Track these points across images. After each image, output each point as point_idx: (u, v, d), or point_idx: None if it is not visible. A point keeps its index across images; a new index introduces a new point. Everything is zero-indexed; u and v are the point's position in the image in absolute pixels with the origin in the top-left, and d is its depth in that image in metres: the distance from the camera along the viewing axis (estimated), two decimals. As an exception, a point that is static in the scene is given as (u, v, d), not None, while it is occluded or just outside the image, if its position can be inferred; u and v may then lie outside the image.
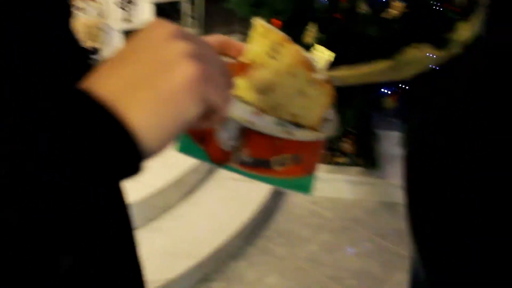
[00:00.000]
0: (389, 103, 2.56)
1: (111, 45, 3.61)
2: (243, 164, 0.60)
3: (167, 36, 0.36)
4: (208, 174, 2.74)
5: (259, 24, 0.57)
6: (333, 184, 2.83)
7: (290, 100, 0.57)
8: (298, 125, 0.58)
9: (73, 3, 3.22)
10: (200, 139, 0.60)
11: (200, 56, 0.36)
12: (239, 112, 0.56)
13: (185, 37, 0.37)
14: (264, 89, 0.57)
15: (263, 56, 0.57)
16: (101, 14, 3.30)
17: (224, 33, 4.44)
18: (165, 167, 2.48)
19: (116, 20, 3.60)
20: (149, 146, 0.34)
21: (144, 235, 2.20)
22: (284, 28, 2.58)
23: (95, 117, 0.32)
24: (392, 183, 2.78)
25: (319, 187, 2.84)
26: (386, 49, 2.36)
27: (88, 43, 3.26)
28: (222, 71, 0.40)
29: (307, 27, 2.42)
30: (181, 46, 0.36)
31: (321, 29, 2.38)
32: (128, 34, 3.68)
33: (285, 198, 2.83)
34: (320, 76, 0.56)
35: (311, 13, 2.45)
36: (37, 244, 0.30)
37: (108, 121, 0.33)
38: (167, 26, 0.37)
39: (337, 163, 2.85)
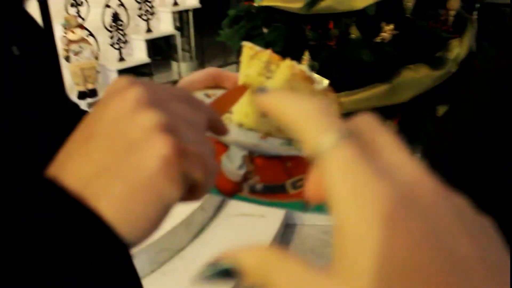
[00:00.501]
0: (390, 126, 2.57)
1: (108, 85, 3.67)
2: (255, 192, 0.56)
3: (130, 104, 0.32)
4: (216, 211, 2.73)
5: (247, 47, 0.55)
6: (343, 212, 2.80)
7: None
8: None
9: (68, 47, 3.28)
10: None
11: (171, 125, 0.32)
12: (244, 140, 0.54)
13: (151, 101, 0.32)
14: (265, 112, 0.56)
15: (257, 77, 0.55)
16: (95, 56, 3.36)
17: (221, 65, 4.51)
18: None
19: (111, 60, 3.67)
20: (130, 236, 0.31)
21: (157, 278, 2.18)
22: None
23: (68, 212, 0.30)
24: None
25: (329, 216, 2.84)
26: (381, 73, 2.38)
27: (84, 86, 3.32)
28: (200, 137, 0.34)
29: (300, 55, 2.45)
30: (148, 118, 0.31)
31: (313, 57, 2.42)
32: (123, 73, 3.75)
33: (297, 230, 2.80)
34: (321, 86, 0.53)
35: (303, 41, 2.48)
36: None
37: (81, 214, 0.30)
38: (130, 90, 0.32)
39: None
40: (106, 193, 0.30)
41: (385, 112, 2.57)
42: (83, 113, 0.77)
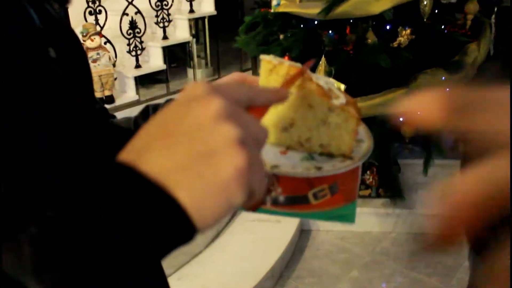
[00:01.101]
0: (408, 131, 2.55)
1: (125, 92, 3.71)
2: (277, 204, 0.57)
3: (213, 115, 0.36)
4: (232, 216, 2.73)
5: (265, 60, 0.56)
6: (359, 218, 2.75)
7: (314, 132, 0.55)
8: (329, 155, 0.56)
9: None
10: None
11: (246, 139, 0.36)
12: (265, 155, 0.55)
13: (230, 115, 0.37)
14: (286, 126, 0.56)
15: None
16: (112, 63, 3.40)
17: (237, 70, 4.52)
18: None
19: (128, 67, 3.70)
20: (200, 226, 0.35)
21: (174, 282, 2.18)
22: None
23: (149, 195, 0.34)
24: (419, 213, 2.73)
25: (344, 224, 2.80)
26: (399, 78, 2.37)
27: (101, 92, 3.35)
28: (260, 135, 0.40)
29: (317, 61, 2.45)
30: (228, 131, 0.36)
31: (330, 62, 2.42)
32: (140, 79, 3.78)
33: (313, 235, 2.79)
34: (339, 100, 0.53)
35: (320, 47, 2.49)
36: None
37: (161, 198, 0.34)
38: (213, 102, 0.37)
39: (361, 196, 2.82)
40: (186, 187, 0.34)
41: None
42: (111, 116, 0.79)
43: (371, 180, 2.77)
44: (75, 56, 0.65)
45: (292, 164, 0.54)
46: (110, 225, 0.33)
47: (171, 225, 0.35)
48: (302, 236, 2.77)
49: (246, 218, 2.73)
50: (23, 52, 0.49)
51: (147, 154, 0.35)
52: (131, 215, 0.34)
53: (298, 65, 0.56)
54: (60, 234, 0.33)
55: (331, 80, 0.57)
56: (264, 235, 2.58)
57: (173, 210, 0.34)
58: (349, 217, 0.57)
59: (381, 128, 2.48)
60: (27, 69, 0.49)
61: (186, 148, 0.35)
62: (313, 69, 2.50)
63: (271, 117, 0.55)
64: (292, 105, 0.54)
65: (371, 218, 2.78)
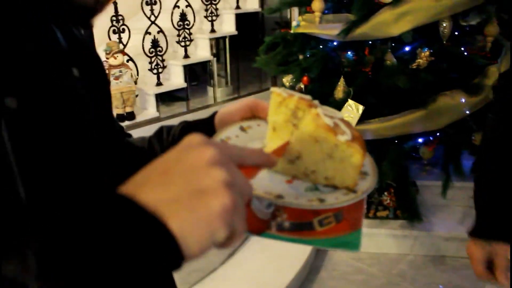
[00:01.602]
0: (426, 153, 2.55)
1: (146, 109, 3.76)
2: (282, 229, 0.58)
3: (208, 161, 0.41)
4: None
5: (275, 93, 0.59)
6: (376, 239, 2.77)
7: (320, 165, 0.57)
8: (334, 187, 0.58)
9: (109, 71, 3.39)
10: None
11: (233, 184, 0.41)
12: (271, 183, 0.57)
13: (222, 162, 0.42)
14: (292, 159, 0.58)
15: (284, 125, 0.59)
16: (134, 80, 3.46)
17: (256, 91, 4.55)
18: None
19: (149, 85, 3.77)
20: (186, 254, 0.39)
21: (188, 299, 2.19)
22: (314, 84, 2.64)
23: (143, 221, 0.38)
24: (437, 235, 2.70)
25: (362, 242, 2.78)
26: (417, 99, 2.37)
27: (123, 109, 3.40)
28: (245, 188, 0.44)
29: (336, 82, 2.47)
30: (219, 175, 0.41)
31: (349, 83, 2.43)
32: (161, 97, 3.83)
33: (329, 255, 2.78)
34: (345, 137, 0.55)
35: (339, 68, 2.51)
36: None
37: (154, 224, 0.38)
38: (208, 150, 0.42)
39: (379, 217, 2.81)
40: (177, 217, 0.39)
41: (421, 138, 2.55)
42: (128, 135, 0.82)
43: (388, 201, 2.75)
44: (96, 76, 0.67)
45: (296, 194, 0.56)
46: (107, 245, 0.37)
47: (161, 248, 0.38)
48: (318, 255, 2.76)
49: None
50: (48, 70, 0.52)
51: (145, 187, 0.40)
52: (126, 237, 0.37)
53: (308, 97, 0.59)
54: (60, 251, 0.36)
55: (339, 114, 0.59)
56: (280, 254, 2.58)
57: (164, 236, 0.38)
58: (353, 245, 0.58)
59: (399, 149, 2.48)
60: (52, 87, 0.51)
61: (180, 185, 0.40)
62: (332, 90, 2.52)
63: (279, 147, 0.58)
64: (299, 140, 0.56)
65: (388, 239, 2.76)
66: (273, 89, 0.59)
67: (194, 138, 0.43)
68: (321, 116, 0.56)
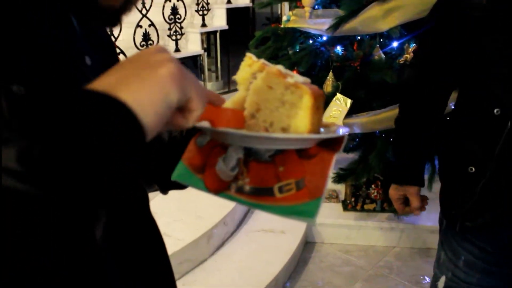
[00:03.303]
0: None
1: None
2: (241, 192, 0.59)
3: (154, 50, 0.47)
4: (237, 226, 2.77)
5: (248, 56, 0.62)
6: (364, 232, 2.81)
7: (276, 114, 0.57)
8: None
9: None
10: (199, 169, 0.62)
11: (179, 63, 0.46)
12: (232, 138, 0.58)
13: (169, 52, 0.47)
14: (252, 112, 0.58)
15: (245, 82, 0.61)
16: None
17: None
18: (195, 220, 2.53)
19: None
20: (143, 119, 0.42)
21: (177, 289, 2.22)
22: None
23: (97, 100, 0.41)
24: (423, 228, 2.75)
25: (349, 235, 2.82)
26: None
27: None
28: (196, 79, 0.49)
29: (325, 76, 2.50)
30: (166, 55, 0.46)
31: (337, 77, 2.47)
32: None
33: (317, 247, 2.82)
34: (294, 79, 0.56)
35: (328, 62, 2.54)
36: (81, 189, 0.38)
37: (106, 100, 0.41)
38: (155, 46, 0.48)
39: (366, 210, 2.85)
40: (126, 88, 0.42)
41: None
42: None
43: (376, 194, 2.80)
44: (109, 65, 0.69)
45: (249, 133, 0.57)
46: (64, 122, 0.38)
47: (118, 118, 0.40)
48: (306, 248, 2.80)
49: (251, 228, 2.77)
50: (59, 59, 0.53)
51: (98, 80, 0.43)
52: (84, 116, 0.39)
53: (277, 66, 0.60)
54: (24, 129, 0.38)
55: (303, 77, 0.60)
56: (268, 246, 2.62)
57: (118, 107, 0.40)
58: (309, 213, 0.56)
59: (387, 142, 2.52)
60: (63, 74, 0.53)
61: (130, 67, 0.44)
62: (321, 84, 2.55)
63: (241, 107, 0.59)
64: (255, 90, 0.58)
65: (375, 232, 2.81)
66: (247, 53, 0.62)
67: (157, 45, 0.49)
68: (274, 65, 0.57)
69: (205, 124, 0.54)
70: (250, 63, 0.61)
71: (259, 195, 0.58)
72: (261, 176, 0.59)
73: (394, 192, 1.53)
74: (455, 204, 1.35)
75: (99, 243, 0.41)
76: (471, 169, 1.25)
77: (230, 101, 0.61)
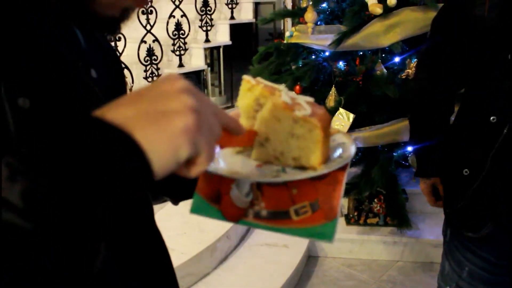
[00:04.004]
0: (415, 161, 2.60)
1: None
2: (259, 217, 0.59)
3: (179, 89, 0.44)
4: (240, 240, 2.77)
5: (245, 80, 0.62)
6: (367, 246, 2.81)
7: (285, 145, 0.58)
8: (302, 168, 0.58)
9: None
10: (214, 199, 0.61)
11: (199, 110, 0.44)
12: (240, 166, 0.59)
13: (192, 92, 0.45)
14: (262, 141, 0.59)
15: (247, 110, 0.61)
16: (129, 88, 3.50)
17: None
18: (198, 234, 2.53)
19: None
20: (151, 162, 0.41)
21: (180, 303, 2.22)
22: (306, 93, 2.70)
23: (110, 134, 0.40)
24: (426, 242, 2.75)
25: (352, 249, 2.81)
26: (406, 108, 2.43)
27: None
28: (213, 131, 0.47)
29: (327, 91, 2.52)
30: (188, 99, 0.43)
31: (340, 92, 2.49)
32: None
33: (320, 261, 2.82)
34: (303, 112, 0.56)
35: (330, 77, 2.56)
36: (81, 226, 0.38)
37: (120, 136, 0.40)
38: (181, 81, 0.45)
39: (369, 224, 2.85)
40: (141, 128, 0.41)
41: (410, 146, 2.60)
42: None
43: (378, 208, 2.80)
44: (114, 78, 0.70)
45: (259, 175, 0.58)
46: (75, 156, 0.38)
47: (129, 157, 0.40)
48: (309, 262, 2.80)
49: (254, 242, 2.77)
50: (65, 72, 0.54)
51: (114, 108, 0.42)
52: (95, 150, 0.39)
53: (277, 86, 0.61)
54: (33, 163, 0.38)
55: (307, 98, 0.60)
56: (271, 260, 2.62)
57: (131, 146, 0.40)
58: (327, 236, 0.57)
59: (389, 157, 2.53)
60: (68, 89, 0.54)
61: (148, 104, 0.43)
62: (323, 99, 2.57)
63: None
64: (263, 120, 0.58)
65: (378, 246, 2.81)
66: (244, 76, 0.62)
67: (170, 74, 0.46)
68: (281, 95, 0.57)
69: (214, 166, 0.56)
70: (250, 87, 0.61)
71: (277, 219, 0.59)
72: (276, 199, 0.59)
73: (423, 185, 1.63)
74: (449, 202, 1.42)
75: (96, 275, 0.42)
76: (466, 172, 1.29)
77: None
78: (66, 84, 0.54)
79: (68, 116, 0.52)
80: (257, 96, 0.61)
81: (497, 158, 1.22)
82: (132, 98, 0.43)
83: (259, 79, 0.62)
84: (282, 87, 0.60)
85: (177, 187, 0.77)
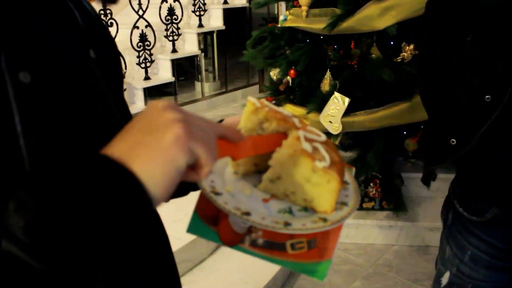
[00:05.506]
0: (410, 144, 2.59)
1: (134, 103, 3.77)
2: (255, 246, 0.59)
3: (161, 109, 0.46)
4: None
5: (250, 102, 0.61)
6: (363, 230, 2.82)
7: (299, 187, 0.58)
8: (312, 210, 0.58)
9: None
10: (213, 221, 0.61)
11: (186, 120, 0.46)
12: (247, 200, 0.58)
13: (175, 108, 0.46)
14: (273, 179, 0.59)
15: (251, 132, 0.60)
16: (123, 74, 3.47)
17: (243, 85, 4.56)
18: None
19: (137, 79, 3.77)
20: (153, 190, 0.43)
21: (176, 289, 2.22)
22: (301, 77, 2.68)
23: (112, 171, 0.42)
24: (422, 226, 2.76)
25: (348, 233, 2.82)
26: (401, 92, 2.42)
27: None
28: (207, 133, 0.48)
29: (322, 75, 2.50)
30: (171, 114, 0.45)
31: (335, 76, 2.47)
32: (149, 91, 3.86)
33: (315, 247, 2.82)
34: (322, 163, 0.56)
35: (325, 61, 2.54)
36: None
37: (118, 170, 0.42)
38: (163, 103, 0.47)
39: (365, 208, 2.85)
40: (137, 157, 0.43)
41: (406, 130, 2.59)
42: None
43: (374, 192, 2.80)
44: (110, 57, 0.69)
45: (266, 214, 0.57)
46: (75, 191, 0.40)
47: (127, 189, 0.42)
48: (306, 247, 2.80)
49: (250, 228, 2.77)
50: (67, 51, 0.54)
51: (111, 146, 0.45)
52: (93, 184, 0.41)
53: (279, 110, 0.60)
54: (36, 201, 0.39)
55: (323, 136, 0.60)
56: (268, 245, 2.61)
57: (127, 177, 0.42)
58: (319, 274, 0.58)
59: (385, 141, 2.52)
60: (69, 68, 0.53)
61: (138, 133, 0.45)
62: (318, 83, 2.55)
63: (260, 159, 0.60)
64: (279, 162, 0.58)
65: (374, 230, 2.81)
66: (249, 98, 0.61)
67: (152, 102, 0.48)
68: (301, 140, 0.57)
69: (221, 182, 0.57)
70: (254, 110, 0.60)
71: (272, 249, 0.59)
72: (274, 231, 0.58)
73: None
74: (433, 159, 1.41)
75: None
76: (453, 142, 1.29)
77: None
78: (66, 64, 0.53)
79: (74, 145, 0.54)
80: (261, 120, 0.60)
81: (487, 133, 1.22)
82: (126, 130, 0.46)
83: (263, 101, 0.62)
84: (296, 120, 0.60)
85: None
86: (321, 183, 0.56)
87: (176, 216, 2.57)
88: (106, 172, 0.42)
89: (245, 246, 0.59)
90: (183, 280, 2.39)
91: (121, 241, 0.42)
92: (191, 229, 0.62)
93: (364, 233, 2.82)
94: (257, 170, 0.63)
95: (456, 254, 1.39)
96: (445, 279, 1.42)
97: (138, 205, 0.42)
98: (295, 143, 0.57)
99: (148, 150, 0.43)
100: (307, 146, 0.57)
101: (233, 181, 0.62)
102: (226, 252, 2.57)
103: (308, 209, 0.59)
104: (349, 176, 0.65)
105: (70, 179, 0.41)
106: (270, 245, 0.59)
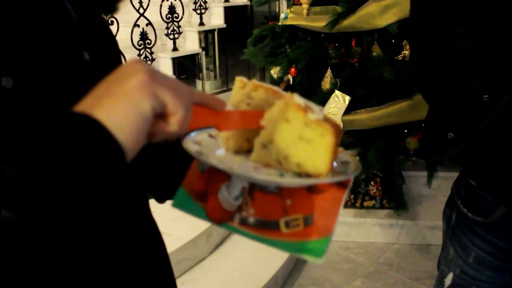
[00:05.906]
0: (411, 143, 2.58)
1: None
2: (245, 224, 0.55)
3: (130, 62, 0.46)
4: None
5: (238, 79, 0.59)
6: (363, 229, 2.81)
7: (291, 149, 0.53)
8: (307, 175, 0.53)
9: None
10: (201, 196, 0.58)
11: (152, 70, 0.45)
12: (237, 166, 0.55)
13: (146, 64, 0.46)
14: (265, 143, 0.55)
15: (240, 104, 0.58)
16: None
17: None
18: (193, 219, 2.52)
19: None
20: (120, 137, 0.42)
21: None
22: (302, 76, 2.67)
23: (77, 124, 0.42)
24: (423, 224, 2.75)
25: (349, 232, 2.82)
26: (403, 90, 2.41)
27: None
28: (176, 83, 0.47)
29: (323, 73, 2.49)
30: (137, 65, 0.45)
31: (336, 74, 2.46)
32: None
33: (316, 245, 2.81)
34: (316, 115, 0.52)
35: (326, 59, 2.53)
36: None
37: (83, 120, 0.41)
38: (134, 60, 0.46)
39: (365, 207, 2.85)
40: (99, 106, 0.42)
41: (406, 129, 2.59)
42: None
43: (375, 191, 2.79)
44: (110, 58, 0.68)
45: (263, 175, 0.54)
46: (51, 145, 0.40)
47: (94, 137, 0.41)
48: (306, 245, 2.80)
49: (251, 226, 2.76)
50: (59, 53, 0.53)
51: (80, 103, 0.44)
52: (65, 137, 0.40)
53: (274, 88, 0.58)
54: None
55: (319, 106, 0.56)
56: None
57: (93, 126, 0.41)
58: (317, 252, 0.53)
59: (385, 139, 2.52)
60: (62, 72, 0.53)
61: (103, 85, 0.44)
62: (319, 81, 2.55)
63: (252, 135, 0.56)
64: (271, 120, 0.54)
65: (375, 228, 2.81)
66: (238, 77, 0.60)
67: (128, 63, 0.47)
68: (293, 96, 0.53)
69: (212, 160, 0.53)
70: (242, 86, 0.58)
71: (264, 228, 0.54)
72: (267, 208, 0.55)
73: None
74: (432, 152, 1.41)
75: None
76: (450, 135, 1.27)
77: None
78: (54, 68, 0.52)
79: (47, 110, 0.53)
80: (248, 92, 0.57)
81: (484, 129, 1.21)
82: (95, 88, 0.45)
83: (255, 81, 0.59)
84: (296, 96, 0.55)
85: (162, 184, 0.76)
86: (314, 138, 0.52)
87: (176, 215, 2.57)
88: (72, 126, 0.41)
89: (234, 225, 0.56)
90: (183, 279, 2.40)
91: (101, 191, 0.41)
92: (176, 204, 0.59)
93: (365, 232, 2.81)
94: (249, 147, 0.58)
95: (460, 255, 1.38)
96: (448, 280, 1.41)
97: (109, 152, 0.41)
98: (287, 98, 0.53)
99: (110, 97, 0.42)
100: (299, 100, 0.53)
101: (223, 156, 0.58)
102: (226, 250, 2.57)
103: (302, 175, 0.54)
104: (351, 157, 0.60)
105: (35, 134, 0.41)
106: (262, 224, 0.54)
